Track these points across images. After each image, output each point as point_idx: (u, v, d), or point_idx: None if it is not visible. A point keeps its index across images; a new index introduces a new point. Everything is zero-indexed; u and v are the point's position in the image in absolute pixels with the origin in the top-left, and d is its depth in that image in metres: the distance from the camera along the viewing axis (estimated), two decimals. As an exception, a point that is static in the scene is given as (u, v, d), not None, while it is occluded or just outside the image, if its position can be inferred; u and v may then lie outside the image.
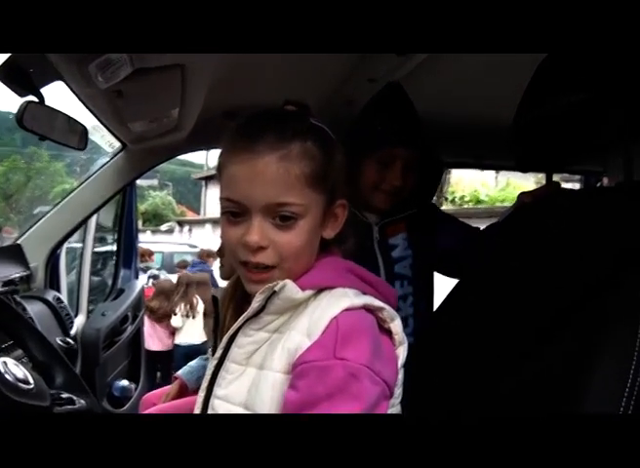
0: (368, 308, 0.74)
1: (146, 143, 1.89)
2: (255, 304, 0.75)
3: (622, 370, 0.70)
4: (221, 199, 0.77)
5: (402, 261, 1.41)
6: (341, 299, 0.73)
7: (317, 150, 0.76)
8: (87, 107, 1.50)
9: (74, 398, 0.85)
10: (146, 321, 4.61)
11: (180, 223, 18.22)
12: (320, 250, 0.81)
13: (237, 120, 0.81)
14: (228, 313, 0.87)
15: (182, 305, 4.84)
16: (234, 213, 0.75)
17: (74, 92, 1.36)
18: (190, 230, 17.26)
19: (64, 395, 0.85)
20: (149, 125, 1.68)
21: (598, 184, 2.45)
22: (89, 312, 2.51)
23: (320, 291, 0.76)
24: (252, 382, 0.75)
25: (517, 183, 10.93)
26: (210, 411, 0.79)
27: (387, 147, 1.33)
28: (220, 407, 0.77)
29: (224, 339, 0.79)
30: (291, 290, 0.73)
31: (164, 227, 18.17)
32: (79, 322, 2.34)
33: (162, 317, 4.83)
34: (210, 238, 13.35)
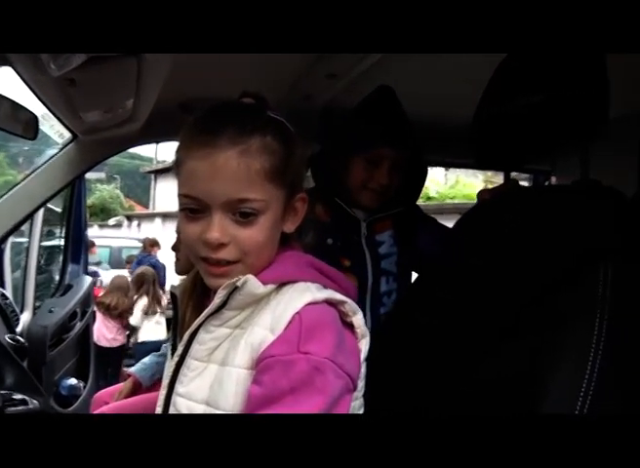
0: (330, 302, 0.74)
1: (98, 134, 1.83)
2: (217, 300, 0.74)
3: (581, 365, 0.72)
4: (180, 195, 0.75)
5: (388, 258, 1.43)
6: (304, 294, 0.73)
7: (277, 144, 0.75)
8: (36, 95, 1.44)
9: (27, 398, 0.82)
10: (99, 316, 4.52)
11: (129, 217, 17.83)
12: (280, 244, 0.81)
13: (195, 113, 0.79)
14: (188, 309, 0.85)
15: (149, 302, 4.76)
16: (193, 209, 0.74)
17: (23, 78, 1.30)
18: (139, 225, 16.91)
19: (17, 396, 0.81)
20: (103, 115, 1.63)
21: (546, 183, 2.52)
22: (35, 309, 2.42)
23: (282, 285, 0.75)
24: (214, 379, 0.74)
25: (466, 181, 11.20)
26: (172, 409, 0.77)
27: (376, 148, 1.36)
28: (181, 404, 0.76)
29: (186, 336, 0.78)
30: (253, 285, 0.72)
31: (112, 221, 17.74)
32: (25, 319, 2.25)
33: (121, 313, 4.74)
34: (160, 232, 13.11)
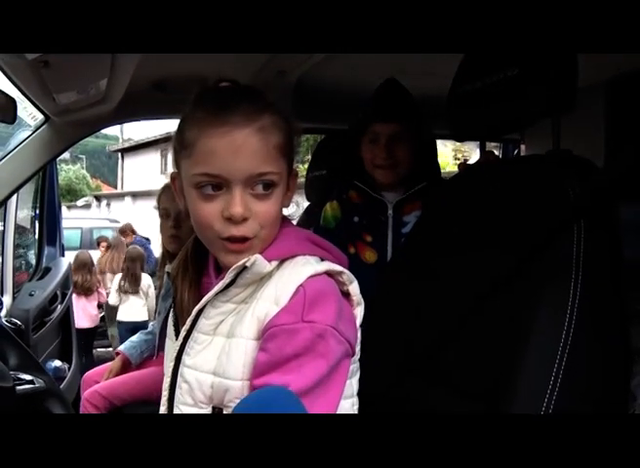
0: (329, 273, 0.78)
1: (72, 116, 1.81)
2: (227, 280, 0.77)
3: (558, 322, 0.78)
4: (196, 175, 0.76)
5: None
6: (305, 267, 0.77)
7: (282, 122, 0.79)
8: (9, 78, 1.43)
9: (33, 378, 0.84)
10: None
11: (98, 198, 17.53)
12: None
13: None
14: (184, 287, 0.87)
15: (127, 280, 4.79)
16: (212, 186, 0.75)
17: (-5, 62, 1.29)
18: (109, 204, 16.66)
19: (23, 376, 0.84)
20: (76, 96, 1.62)
21: (516, 151, 2.59)
22: (14, 293, 2.41)
23: (283, 260, 0.79)
24: (221, 350, 0.78)
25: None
26: (179, 379, 0.81)
27: (370, 125, 1.47)
28: (189, 374, 0.80)
29: (194, 312, 0.81)
30: (261, 264, 0.76)
31: (80, 202, 17.42)
32: (5, 303, 2.24)
33: (88, 290, 4.76)
34: (130, 211, 12.96)
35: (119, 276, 4.87)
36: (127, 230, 6.90)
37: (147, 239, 6.76)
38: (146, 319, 4.75)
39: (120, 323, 4.80)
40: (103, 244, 6.75)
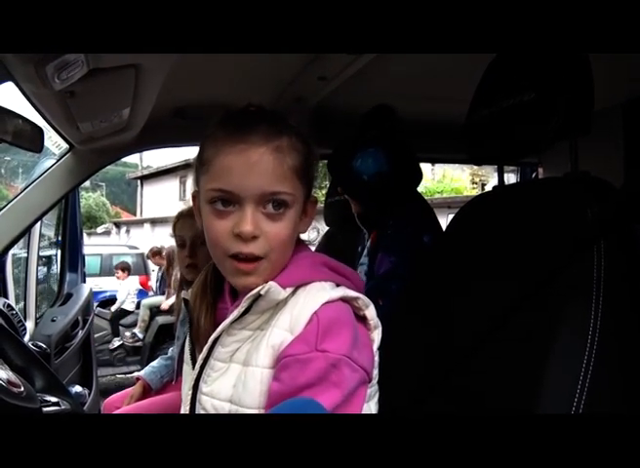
0: (344, 299, 0.77)
1: (95, 144, 1.85)
2: (242, 308, 0.77)
3: (579, 349, 0.77)
4: (210, 190, 0.77)
5: None
6: (320, 293, 0.76)
7: (301, 145, 0.80)
8: (36, 109, 1.47)
9: (59, 401, 0.85)
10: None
11: (117, 224, 17.76)
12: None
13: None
14: (202, 313, 0.87)
15: None
16: (225, 202, 0.76)
17: (25, 93, 1.33)
18: (128, 231, 16.87)
19: (50, 398, 0.85)
20: (100, 125, 1.66)
21: (534, 174, 2.59)
22: (37, 318, 2.44)
23: (298, 286, 0.78)
24: (237, 378, 0.77)
25: (453, 175, 11.28)
26: (197, 406, 0.81)
27: None
28: (206, 402, 0.80)
29: (210, 340, 0.81)
30: (275, 291, 0.76)
31: (100, 229, 17.65)
32: (28, 328, 2.27)
33: None
34: (149, 238, 13.08)
35: None
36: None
37: None
38: None
39: None
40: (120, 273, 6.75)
